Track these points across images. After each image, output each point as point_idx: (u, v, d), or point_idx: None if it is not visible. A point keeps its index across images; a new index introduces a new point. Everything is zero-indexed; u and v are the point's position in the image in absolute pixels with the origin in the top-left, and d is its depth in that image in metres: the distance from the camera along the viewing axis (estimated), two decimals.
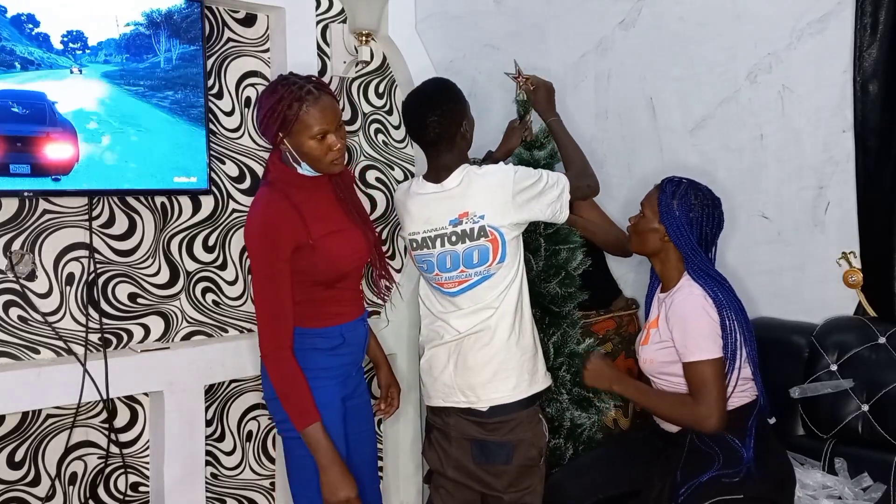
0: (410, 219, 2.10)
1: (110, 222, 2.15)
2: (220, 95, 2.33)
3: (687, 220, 2.05)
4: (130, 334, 2.19)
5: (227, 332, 2.36)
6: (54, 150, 1.92)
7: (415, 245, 2.10)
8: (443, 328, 2.08)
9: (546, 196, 2.03)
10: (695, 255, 2.05)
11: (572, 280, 2.41)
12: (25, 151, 1.87)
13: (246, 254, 2.33)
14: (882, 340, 2.24)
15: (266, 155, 2.20)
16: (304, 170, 1.91)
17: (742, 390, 2.02)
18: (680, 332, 1.99)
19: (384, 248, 2.65)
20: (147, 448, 2.24)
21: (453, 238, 2.01)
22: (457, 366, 2.04)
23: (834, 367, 2.28)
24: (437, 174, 2.07)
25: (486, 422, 2.00)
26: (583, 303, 2.49)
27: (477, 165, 2.09)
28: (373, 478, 2.18)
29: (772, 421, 2.23)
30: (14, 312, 2.01)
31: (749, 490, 1.90)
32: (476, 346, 2.02)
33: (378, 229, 2.67)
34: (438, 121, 2.01)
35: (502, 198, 1.99)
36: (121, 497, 2.21)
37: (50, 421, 2.09)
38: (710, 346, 1.95)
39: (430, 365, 2.10)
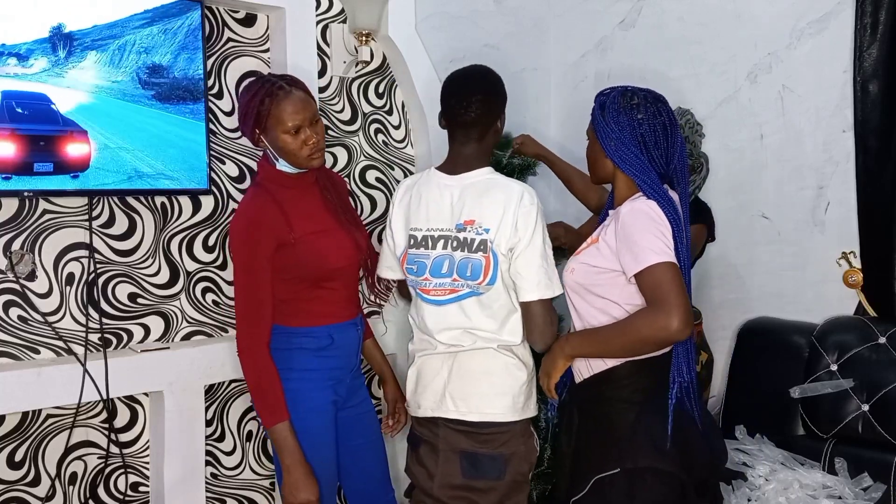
0: (416, 212, 1.92)
1: (110, 222, 2.15)
2: (219, 95, 2.33)
3: (629, 134, 1.73)
4: (130, 334, 2.19)
5: (227, 332, 2.35)
6: (74, 149, 1.95)
7: (413, 242, 1.92)
8: (433, 342, 1.92)
9: (528, 259, 1.81)
10: (644, 176, 1.72)
11: None
12: (48, 150, 1.91)
13: None
14: (882, 340, 2.24)
15: None
16: (283, 166, 1.93)
17: None
18: (627, 243, 1.67)
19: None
20: (147, 448, 2.24)
21: (454, 243, 1.86)
22: (451, 372, 1.89)
23: (834, 367, 2.28)
24: (454, 165, 1.90)
25: (479, 432, 1.86)
26: None
27: (501, 175, 1.91)
28: (384, 489, 2.14)
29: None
30: (14, 312, 2.01)
31: (640, 460, 1.68)
32: (476, 358, 1.88)
33: (378, 229, 2.67)
34: (483, 101, 1.86)
35: (510, 219, 1.81)
36: (121, 497, 2.21)
37: (50, 421, 2.09)
38: (662, 248, 1.64)
39: (420, 372, 1.95)
